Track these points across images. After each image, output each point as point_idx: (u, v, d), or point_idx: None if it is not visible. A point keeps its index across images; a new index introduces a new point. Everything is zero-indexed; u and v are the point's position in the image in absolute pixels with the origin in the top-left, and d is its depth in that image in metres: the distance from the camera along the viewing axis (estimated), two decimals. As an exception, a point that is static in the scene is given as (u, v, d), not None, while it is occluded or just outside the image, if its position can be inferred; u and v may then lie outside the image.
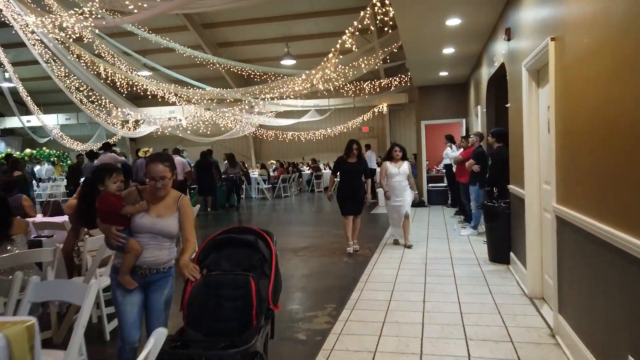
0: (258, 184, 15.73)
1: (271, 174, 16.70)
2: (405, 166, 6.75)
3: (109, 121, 16.60)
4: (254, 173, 16.68)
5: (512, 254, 5.39)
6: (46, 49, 10.32)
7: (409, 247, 6.59)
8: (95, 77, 12.29)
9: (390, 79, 16.34)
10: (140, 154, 12.90)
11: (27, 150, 21.53)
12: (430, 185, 11.80)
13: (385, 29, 8.52)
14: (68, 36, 8.86)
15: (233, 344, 2.23)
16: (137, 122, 18.92)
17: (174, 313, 2.88)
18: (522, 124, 4.54)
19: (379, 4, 7.46)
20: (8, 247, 3.83)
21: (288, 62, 15.28)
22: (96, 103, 14.56)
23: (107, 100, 14.49)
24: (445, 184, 11.31)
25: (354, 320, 3.99)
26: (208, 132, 18.39)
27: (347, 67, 12.62)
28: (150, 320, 2.72)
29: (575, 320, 3.11)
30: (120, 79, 12.74)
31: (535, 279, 4.34)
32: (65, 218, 4.95)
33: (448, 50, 7.94)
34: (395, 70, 16.56)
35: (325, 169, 18.97)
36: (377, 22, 7.92)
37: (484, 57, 7.87)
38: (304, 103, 19.02)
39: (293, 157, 21.20)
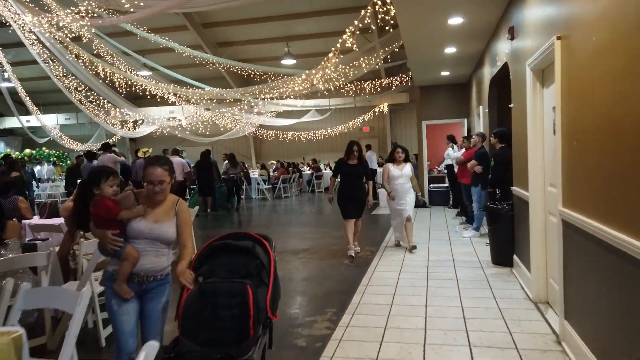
0: (258, 184, 15.65)
1: (272, 174, 16.62)
2: (407, 168, 6.63)
3: (108, 121, 16.52)
4: (254, 173, 16.60)
5: (515, 256, 5.30)
6: (44, 49, 10.23)
7: (413, 248, 6.46)
8: (94, 77, 12.22)
9: (391, 78, 16.27)
10: (140, 154, 12.82)
11: (27, 151, 21.47)
12: (431, 185, 11.72)
13: (386, 28, 8.44)
14: (65, 35, 8.78)
15: (229, 356, 2.15)
16: (136, 122, 18.85)
17: (168, 321, 2.80)
18: (526, 124, 4.45)
19: (379, 2, 7.38)
20: (1, 252, 3.75)
21: (288, 61, 15.21)
22: (95, 103, 14.47)
23: (105, 101, 14.41)
24: (446, 185, 11.23)
25: (354, 325, 3.91)
26: (207, 133, 18.30)
27: (347, 67, 12.54)
28: (146, 329, 2.63)
29: (582, 327, 3.02)
30: (118, 79, 12.67)
31: (540, 283, 4.26)
32: (62, 220, 4.87)
33: (450, 50, 7.86)
34: (396, 69, 16.48)
35: (325, 169, 18.89)
36: (378, 21, 7.85)
37: (486, 57, 7.79)
38: (304, 103, 18.94)
39: (293, 157, 21.12)
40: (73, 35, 9.09)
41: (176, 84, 14.32)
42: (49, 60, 10.86)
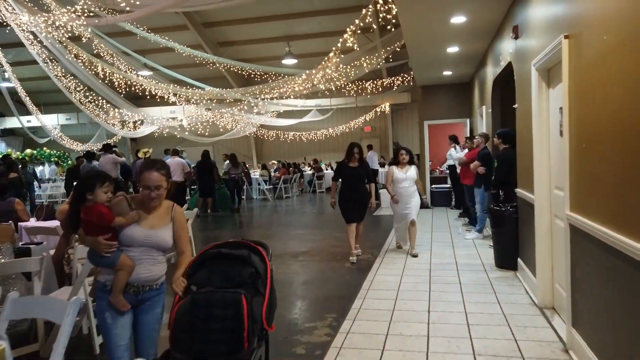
0: (259, 184, 15.56)
1: (273, 174, 16.53)
2: (412, 171, 6.40)
3: (109, 121, 16.44)
4: (255, 174, 16.51)
5: (519, 260, 5.20)
6: (43, 48, 10.15)
7: (414, 256, 6.25)
8: (93, 77, 12.13)
9: (393, 78, 16.15)
10: (140, 154, 12.76)
11: (28, 151, 21.41)
12: (433, 186, 11.62)
13: (388, 27, 8.33)
14: (62, 34, 8.68)
15: (223, 369, 2.05)
16: (135, 122, 18.76)
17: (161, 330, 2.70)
18: (531, 125, 4.34)
19: (381, 1, 7.26)
20: (-7, 256, 3.66)
21: (289, 61, 15.11)
22: (94, 103, 14.39)
23: (104, 101, 14.33)
24: (449, 185, 11.12)
25: (355, 332, 3.80)
26: (207, 133, 18.21)
27: (349, 67, 12.43)
28: (141, 340, 2.53)
29: (591, 335, 2.92)
30: (118, 79, 12.58)
31: (546, 288, 4.15)
32: (59, 223, 4.77)
33: (452, 49, 7.75)
34: (398, 69, 16.36)
35: (327, 169, 18.79)
36: (380, 20, 7.72)
37: (489, 56, 7.67)
38: (305, 103, 18.84)
39: (294, 157, 21.03)
40: (70, 35, 8.99)
41: (176, 84, 14.22)
42: (47, 60, 10.77)
